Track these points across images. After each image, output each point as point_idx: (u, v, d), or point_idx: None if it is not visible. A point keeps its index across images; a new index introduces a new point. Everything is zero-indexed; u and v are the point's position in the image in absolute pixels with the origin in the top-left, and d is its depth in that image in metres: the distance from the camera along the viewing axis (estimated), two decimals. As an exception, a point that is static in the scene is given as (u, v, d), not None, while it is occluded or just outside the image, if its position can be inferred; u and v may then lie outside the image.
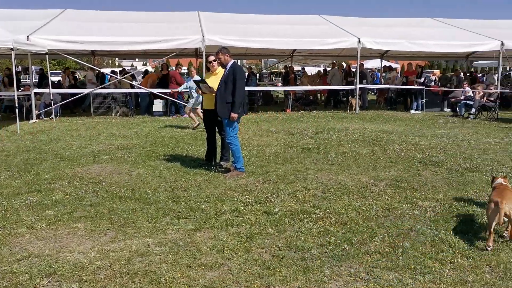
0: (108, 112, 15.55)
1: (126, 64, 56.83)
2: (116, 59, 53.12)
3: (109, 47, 14.73)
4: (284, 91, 19.02)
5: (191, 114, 11.57)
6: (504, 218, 4.02)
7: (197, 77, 9.64)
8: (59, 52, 14.39)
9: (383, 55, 21.93)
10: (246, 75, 6.22)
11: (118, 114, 14.96)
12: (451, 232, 4.36)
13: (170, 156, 8.11)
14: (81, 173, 6.87)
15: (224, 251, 3.98)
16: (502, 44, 15.63)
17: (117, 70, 22.00)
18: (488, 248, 3.93)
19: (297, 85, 19.30)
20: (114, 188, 6.06)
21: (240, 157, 6.78)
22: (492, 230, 3.99)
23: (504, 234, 4.25)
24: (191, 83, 11.00)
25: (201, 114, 9.23)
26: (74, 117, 14.56)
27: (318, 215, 4.91)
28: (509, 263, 3.68)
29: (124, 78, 16.30)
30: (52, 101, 13.98)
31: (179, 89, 13.41)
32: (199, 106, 11.07)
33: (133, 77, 19.03)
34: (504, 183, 4.53)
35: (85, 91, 15.40)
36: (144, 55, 22.13)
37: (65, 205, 5.30)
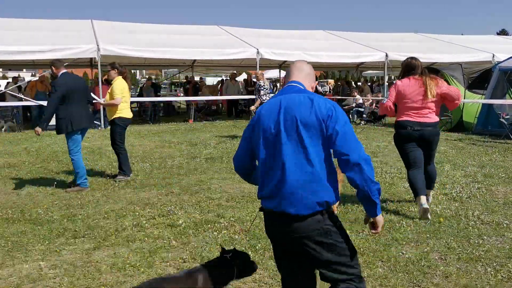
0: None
1: (12, 75, 52.42)
2: (0, 69, 48.83)
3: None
4: (186, 101, 18.90)
5: None
6: None
7: None
8: None
9: (281, 65, 22.76)
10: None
11: (3, 129, 13.73)
12: (348, 232, 4.60)
13: (65, 173, 7.62)
14: (-40, 196, 6.18)
15: (125, 269, 3.82)
16: (386, 55, 17.03)
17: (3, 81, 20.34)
18: None
19: (197, 95, 19.26)
20: None
21: (80, 173, 6.41)
22: None
23: None
24: None
25: None
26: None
27: (223, 224, 4.92)
28: (398, 257, 3.99)
29: (9, 90, 15.05)
30: None
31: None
32: None
33: (20, 89, 17.64)
34: None
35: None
36: (32, 65, 20.64)
37: None
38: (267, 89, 11.32)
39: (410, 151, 5.22)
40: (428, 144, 5.22)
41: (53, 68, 6.54)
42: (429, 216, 4.93)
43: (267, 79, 26.00)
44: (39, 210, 5.48)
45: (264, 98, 11.01)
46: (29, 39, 13.96)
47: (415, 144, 5.18)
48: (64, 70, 6.57)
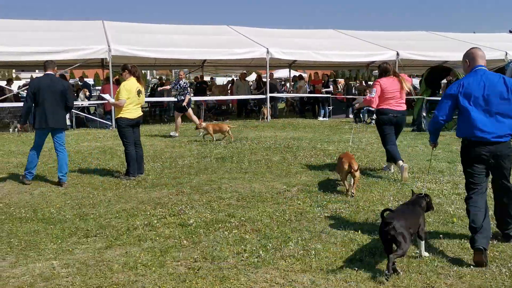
0: (4, 128, 14.35)
1: (25, 76, 53.09)
2: (14, 70, 49.49)
3: (3, 57, 13.64)
4: (196, 101, 18.91)
5: None
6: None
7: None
8: None
9: (291, 64, 22.71)
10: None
11: (16, 129, 13.87)
12: (359, 232, 4.58)
13: (77, 172, 7.68)
14: (-26, 195, 6.26)
15: (137, 268, 3.83)
16: (398, 54, 16.90)
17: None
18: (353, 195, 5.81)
19: (201, 95, 19.27)
20: (13, 209, 5.59)
21: (27, 166, 6.89)
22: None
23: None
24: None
25: None
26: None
27: (233, 223, 4.91)
28: (411, 257, 3.95)
29: (22, 90, 15.21)
30: None
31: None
32: None
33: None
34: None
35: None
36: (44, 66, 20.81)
37: (-45, 232, 4.78)
38: (189, 86, 12.59)
39: (387, 133, 7.01)
40: (401, 126, 7.21)
41: (43, 68, 6.96)
42: (408, 175, 6.72)
43: (277, 78, 26.01)
44: (51, 210, 5.53)
45: (191, 94, 12.52)
46: (41, 40, 14.08)
47: (392, 128, 7.00)
48: (49, 72, 6.87)
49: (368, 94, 7.30)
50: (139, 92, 7.26)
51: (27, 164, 6.91)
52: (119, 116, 7.19)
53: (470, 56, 4.17)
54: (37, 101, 6.69)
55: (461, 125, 4.13)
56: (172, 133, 12.14)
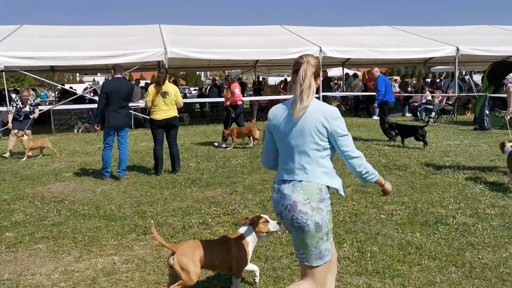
0: (69, 128, 15.15)
1: (88, 79, 55.78)
2: (77, 74, 52.12)
3: (68, 62, 14.42)
4: (250, 101, 19.06)
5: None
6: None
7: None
8: (16, 69, 13.95)
9: (345, 63, 22.35)
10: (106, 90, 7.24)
11: (80, 130, 14.60)
12: (417, 234, 4.44)
13: (135, 171, 7.95)
14: (42, 192, 6.64)
15: (193, 265, 3.90)
16: (458, 49, 16.19)
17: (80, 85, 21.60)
18: None
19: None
20: (77, 206, 5.88)
21: (103, 165, 7.43)
22: None
23: None
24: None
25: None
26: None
27: (287, 223, 4.89)
28: (473, 262, 3.77)
29: (87, 93, 15.96)
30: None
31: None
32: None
33: (95, 92, 18.68)
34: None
35: (43, 108, 14.96)
36: (106, 69, 21.72)
37: (26, 226, 5.10)
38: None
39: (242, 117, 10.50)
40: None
41: (112, 71, 7.48)
42: None
43: (331, 77, 25.67)
44: (112, 207, 5.76)
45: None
46: (102, 44, 14.72)
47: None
48: (119, 75, 7.37)
49: (236, 93, 10.20)
50: (164, 94, 7.36)
51: (103, 164, 7.44)
52: (150, 117, 7.59)
53: None
54: (108, 102, 7.21)
55: None
56: (6, 155, 9.95)
